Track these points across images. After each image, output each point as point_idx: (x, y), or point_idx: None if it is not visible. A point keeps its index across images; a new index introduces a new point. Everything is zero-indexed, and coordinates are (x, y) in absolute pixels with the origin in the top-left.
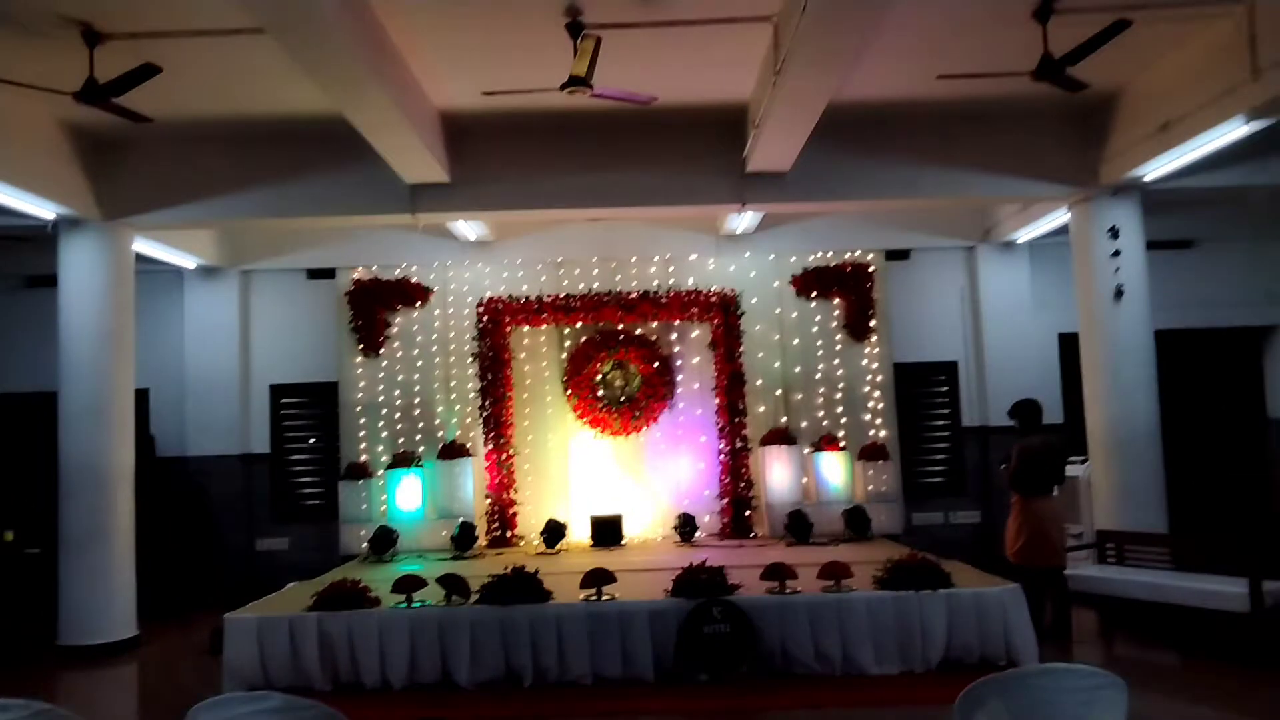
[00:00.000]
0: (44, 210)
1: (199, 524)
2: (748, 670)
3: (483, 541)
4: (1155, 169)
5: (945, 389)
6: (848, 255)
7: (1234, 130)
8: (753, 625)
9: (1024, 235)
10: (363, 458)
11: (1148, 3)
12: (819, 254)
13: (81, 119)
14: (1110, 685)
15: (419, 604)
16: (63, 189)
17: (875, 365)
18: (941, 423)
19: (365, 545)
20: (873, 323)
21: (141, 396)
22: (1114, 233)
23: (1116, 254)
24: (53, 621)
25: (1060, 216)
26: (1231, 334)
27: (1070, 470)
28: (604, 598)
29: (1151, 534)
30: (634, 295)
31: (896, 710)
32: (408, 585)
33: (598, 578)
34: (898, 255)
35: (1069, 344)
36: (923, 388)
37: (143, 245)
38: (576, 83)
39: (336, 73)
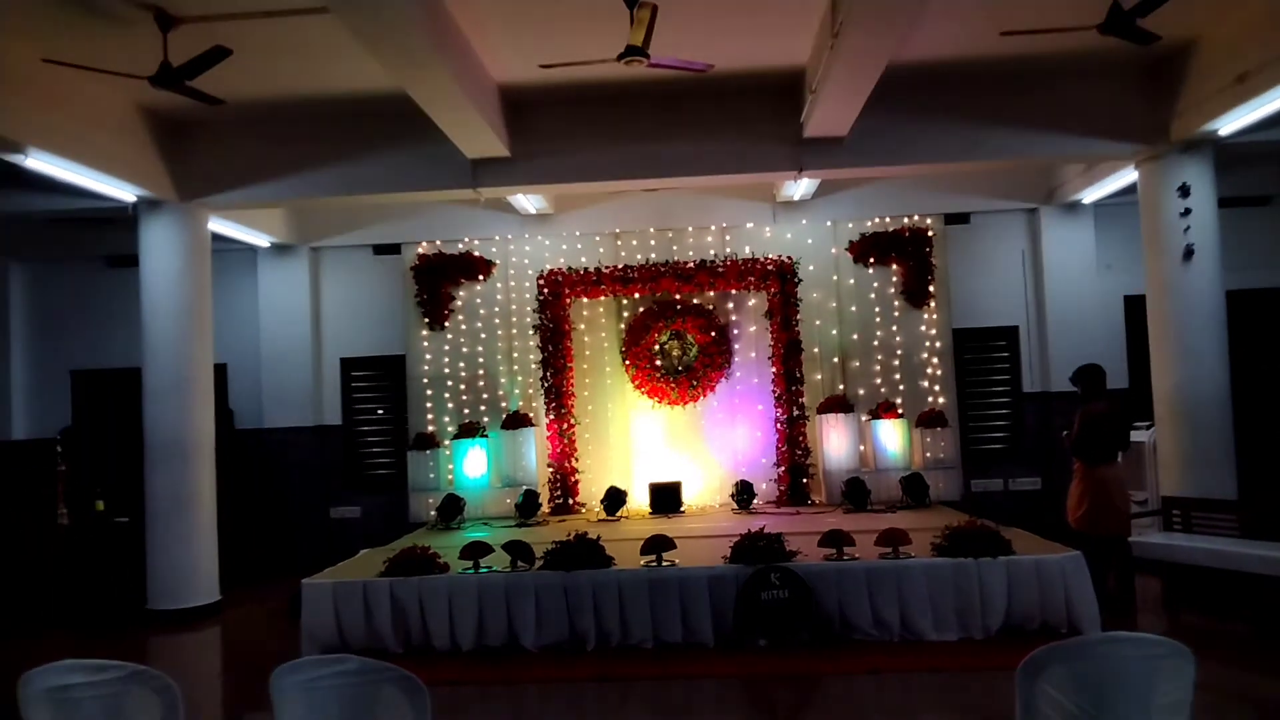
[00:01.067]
0: (124, 193)
1: (276, 494)
2: (806, 636)
3: (546, 509)
4: (1230, 123)
5: (1006, 354)
6: (906, 220)
7: None
8: (811, 591)
9: (1089, 196)
10: (430, 428)
11: None
12: (876, 220)
13: (157, 102)
14: (1176, 654)
15: (486, 569)
16: (141, 171)
17: (934, 331)
18: (1002, 389)
19: (433, 513)
20: (931, 288)
21: (220, 371)
22: (1184, 190)
23: (1186, 213)
24: (142, 587)
25: (1128, 175)
26: None
27: (1135, 436)
28: (664, 564)
29: (1219, 500)
30: (691, 265)
31: (956, 676)
32: (475, 551)
33: (658, 544)
34: (957, 219)
35: (1135, 307)
36: (983, 354)
37: (218, 225)
38: (634, 53)
39: (398, 49)
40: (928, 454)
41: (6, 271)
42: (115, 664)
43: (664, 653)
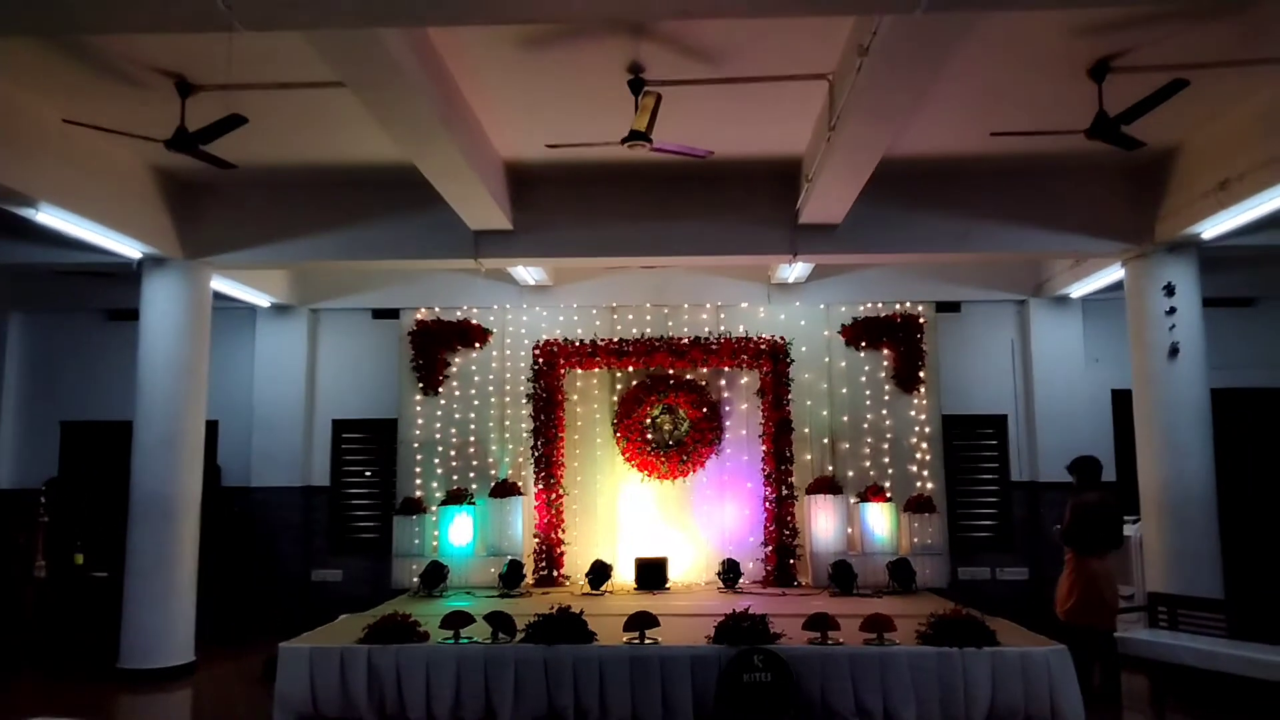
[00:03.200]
0: (131, 249)
1: (259, 554)
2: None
3: (530, 580)
4: (1212, 227)
5: (994, 443)
6: (898, 306)
7: None
8: (794, 675)
9: (1078, 290)
10: (418, 493)
11: (1205, 62)
12: (869, 304)
13: (167, 162)
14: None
15: (466, 640)
16: (148, 229)
17: (923, 417)
18: (990, 477)
19: (416, 580)
20: (922, 374)
21: (211, 428)
22: (1169, 290)
23: (1171, 311)
24: (116, 644)
25: (1115, 272)
26: None
27: (1124, 529)
28: (647, 641)
29: (1207, 599)
30: (685, 341)
31: None
32: (456, 621)
33: (641, 621)
34: (948, 307)
35: (1122, 400)
36: (971, 440)
37: (219, 283)
38: (637, 137)
39: (409, 125)
40: (915, 539)
41: (6, 320)
42: None
43: None
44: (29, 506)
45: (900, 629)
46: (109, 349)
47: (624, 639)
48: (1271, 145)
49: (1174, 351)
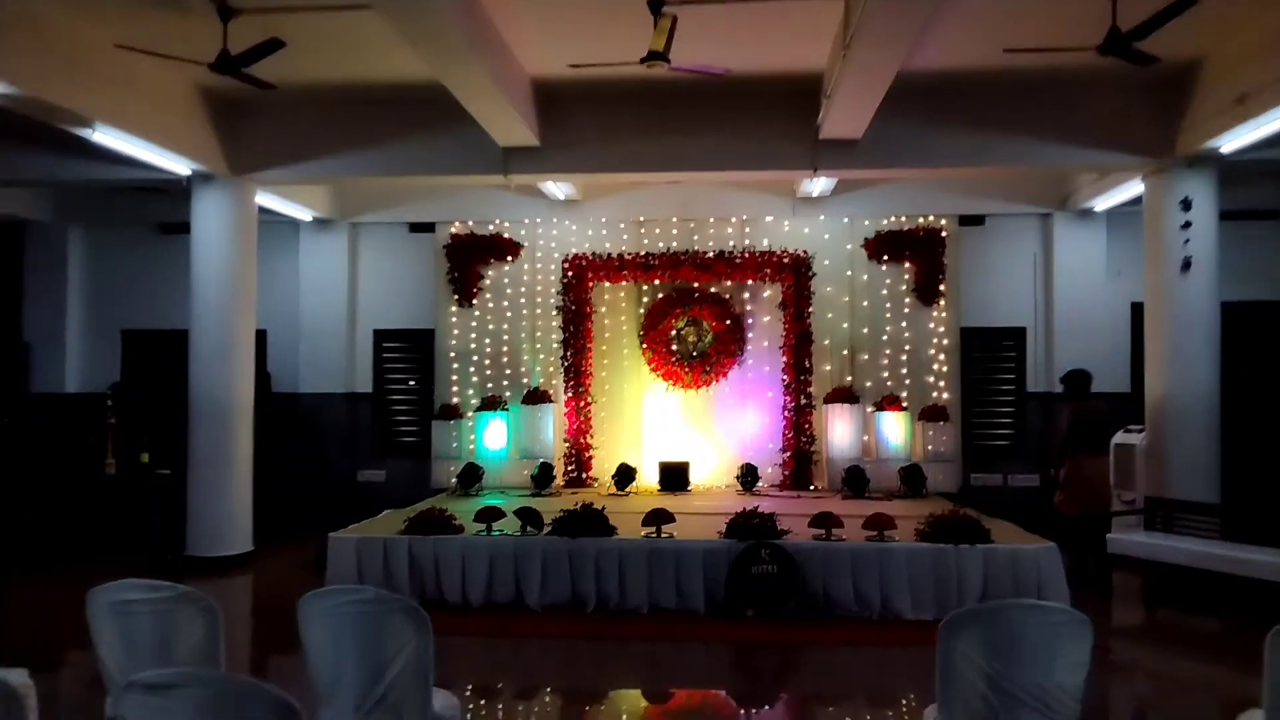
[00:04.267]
0: (180, 166)
1: (308, 455)
2: (792, 609)
3: (560, 481)
4: (1231, 141)
5: (1012, 354)
6: (920, 220)
7: None
8: (798, 567)
9: (1102, 203)
10: (454, 400)
11: None
12: (892, 218)
13: (213, 83)
14: (1076, 623)
15: (498, 533)
16: (196, 147)
17: (942, 329)
18: (1007, 387)
19: (454, 480)
20: (942, 287)
21: (260, 337)
22: (1186, 204)
23: (1187, 225)
24: (181, 534)
25: (1139, 185)
26: None
27: (1128, 438)
28: (663, 535)
29: (1201, 503)
30: (710, 255)
31: (927, 650)
32: (488, 516)
33: (658, 517)
34: (972, 221)
35: (1142, 314)
36: (989, 352)
37: (264, 198)
38: (655, 57)
39: (436, 45)
40: (929, 447)
41: (65, 235)
42: (167, 585)
43: (658, 617)
44: (96, 409)
45: (901, 528)
46: (163, 261)
47: (642, 534)
48: None
49: (1186, 265)
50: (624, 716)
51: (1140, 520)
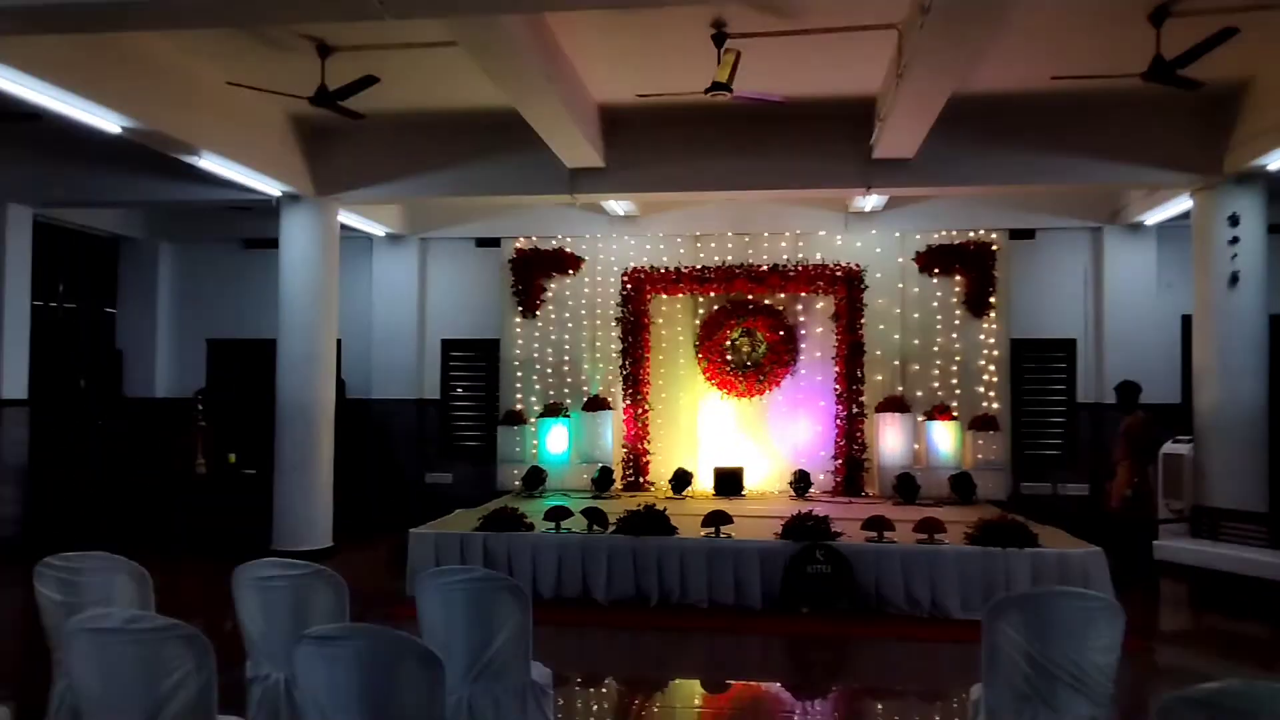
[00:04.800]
0: (272, 188)
1: (379, 458)
2: (845, 606)
3: (619, 485)
4: (1277, 161)
5: (1063, 365)
6: (971, 234)
7: None
8: (851, 568)
9: (1152, 218)
10: (518, 406)
11: (1266, 2)
12: (943, 232)
13: (301, 112)
14: (1109, 608)
15: (566, 531)
16: (287, 170)
17: (992, 340)
18: (1058, 398)
19: (519, 482)
20: (992, 299)
21: (335, 346)
22: (1234, 220)
23: (1235, 240)
24: (266, 530)
25: (1188, 200)
26: None
27: (1177, 448)
28: (721, 535)
29: (1248, 511)
30: (764, 268)
31: (976, 646)
32: (557, 515)
33: (717, 518)
34: (1022, 234)
35: (1191, 326)
36: (1039, 363)
37: (341, 216)
38: (719, 88)
39: (517, 79)
40: (979, 455)
41: (157, 250)
42: (302, 563)
43: (717, 612)
44: (185, 412)
45: (951, 532)
46: (245, 274)
47: (702, 534)
48: None
49: (1234, 279)
50: (685, 705)
51: (1187, 528)
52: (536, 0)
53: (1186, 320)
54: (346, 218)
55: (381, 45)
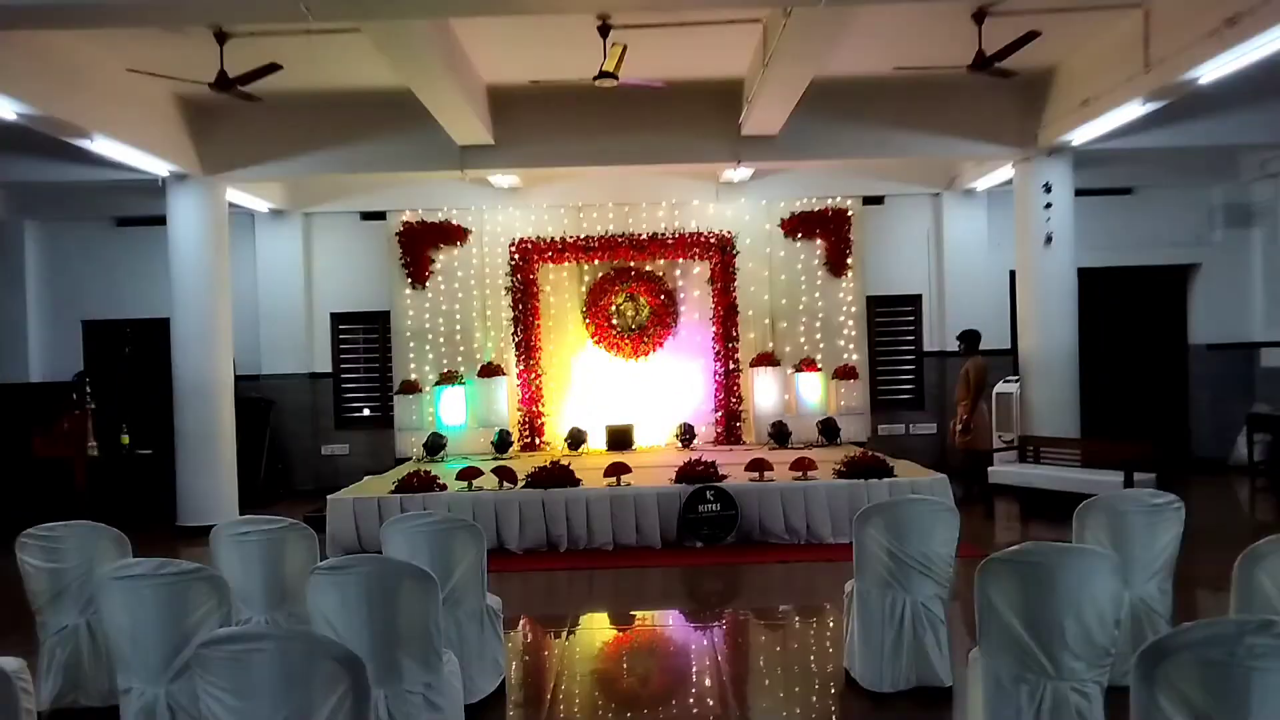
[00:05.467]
0: (159, 167)
1: (274, 432)
2: (732, 539)
3: (517, 447)
4: (1080, 136)
5: (911, 318)
6: (829, 201)
7: (1136, 109)
8: (737, 505)
9: (983, 184)
10: (413, 376)
11: (1065, 6)
12: (804, 200)
13: (187, 92)
14: (948, 510)
15: (478, 489)
16: (175, 150)
17: (850, 298)
18: (907, 347)
19: (420, 449)
20: (849, 260)
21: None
22: (1047, 188)
23: (1048, 206)
24: (168, 508)
25: (1011, 170)
26: (1160, 270)
27: (1007, 387)
28: (622, 484)
29: (1065, 439)
30: (644, 237)
31: (846, 565)
32: (469, 474)
33: (618, 469)
34: (873, 200)
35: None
36: (891, 317)
37: None
38: (606, 76)
39: (416, 64)
40: (841, 402)
41: (21, 230)
42: (276, 518)
43: (621, 552)
44: (62, 396)
45: (821, 469)
46: (119, 253)
47: (604, 484)
48: (1123, 69)
49: (1048, 240)
50: (598, 636)
51: (1014, 456)
52: (443, 5)
53: (1014, 275)
54: (229, 194)
55: (279, 31)
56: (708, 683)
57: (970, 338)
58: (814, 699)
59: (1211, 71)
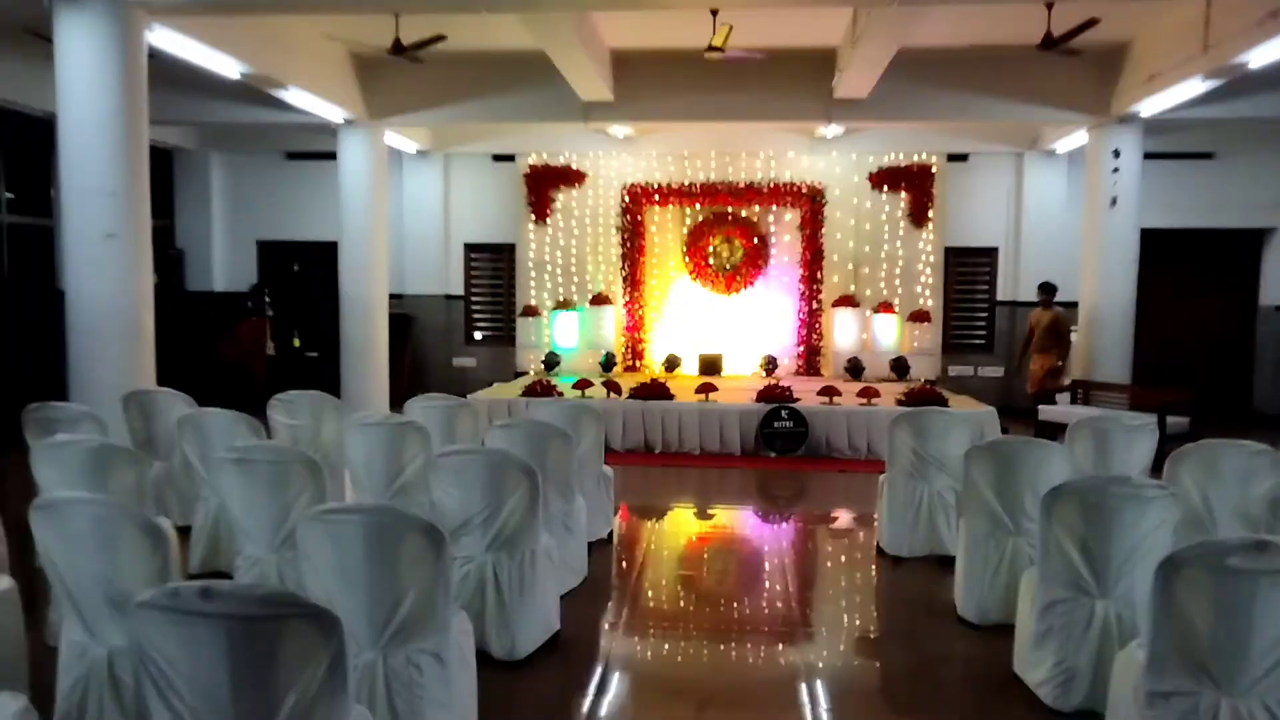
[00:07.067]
0: (336, 114)
1: (413, 344)
2: (802, 452)
3: (620, 368)
4: (1148, 108)
5: (987, 269)
6: (916, 157)
7: (1198, 86)
8: (807, 424)
9: (1063, 147)
10: (533, 301)
11: None
12: (891, 155)
13: (359, 49)
14: (964, 420)
15: (589, 398)
16: (348, 100)
17: (929, 248)
18: (982, 296)
19: (539, 364)
20: (930, 213)
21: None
22: (1116, 153)
23: (1116, 170)
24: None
25: (1086, 135)
26: (1236, 234)
27: (1074, 336)
28: (710, 400)
29: (1114, 384)
30: (742, 185)
31: None
32: (583, 385)
33: (707, 387)
34: (958, 158)
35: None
36: (968, 267)
37: None
38: (714, 50)
39: (552, 33)
40: (915, 343)
41: (209, 160)
42: (394, 417)
43: (706, 456)
44: (241, 304)
45: (885, 398)
46: (288, 183)
47: (695, 399)
48: (1184, 49)
49: (1114, 201)
50: (685, 522)
51: (1066, 397)
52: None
53: None
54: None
55: (442, 9)
56: (773, 558)
57: (1050, 289)
58: (855, 559)
59: (1259, 57)
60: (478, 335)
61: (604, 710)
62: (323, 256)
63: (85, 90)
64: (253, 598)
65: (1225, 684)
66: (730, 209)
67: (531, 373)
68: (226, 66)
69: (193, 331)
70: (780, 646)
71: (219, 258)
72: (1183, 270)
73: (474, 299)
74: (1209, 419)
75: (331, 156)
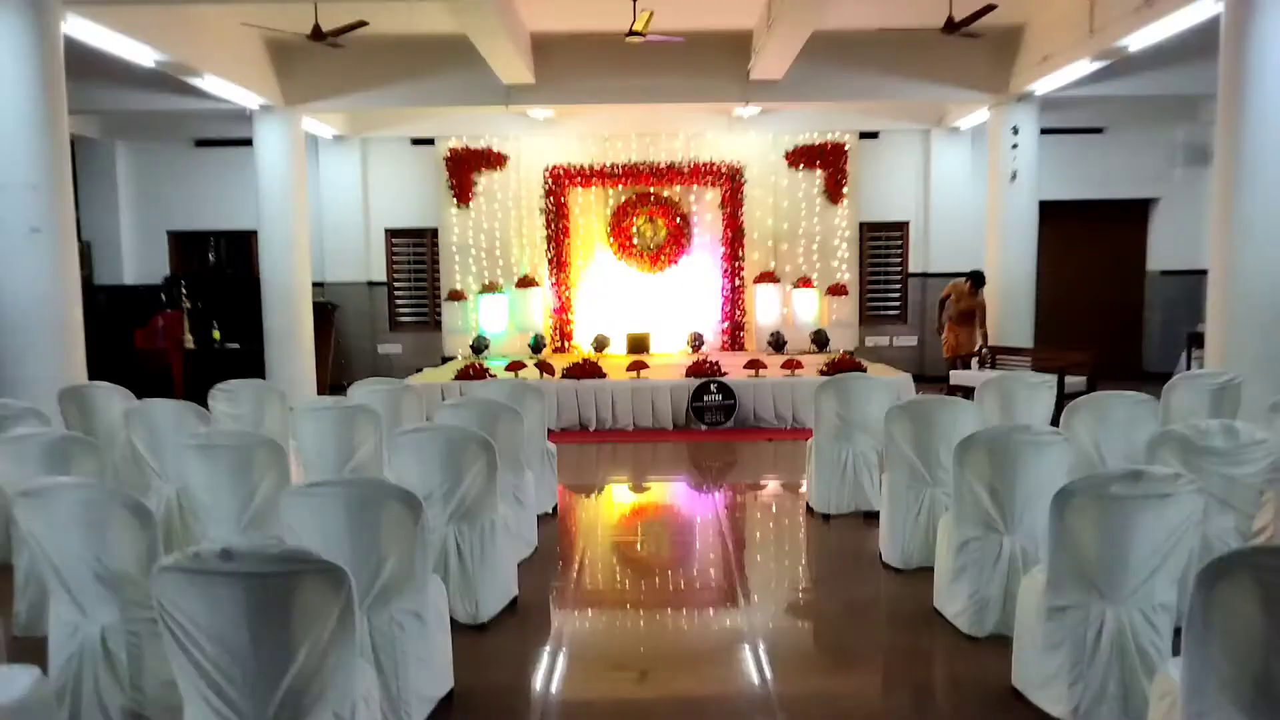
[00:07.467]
0: (251, 100)
1: (336, 333)
2: (730, 423)
3: (549, 349)
4: (1042, 87)
5: (899, 243)
6: (829, 136)
7: (1086, 66)
8: (735, 396)
9: (966, 124)
10: (458, 285)
11: None
12: (806, 134)
13: (274, 36)
14: (883, 384)
15: (523, 379)
16: (264, 86)
17: (845, 223)
18: (894, 269)
19: (467, 349)
20: (845, 189)
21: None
22: (1015, 130)
23: (1015, 146)
24: None
25: (988, 113)
26: (1125, 204)
27: None
28: (641, 377)
29: (1017, 348)
30: (663, 165)
31: None
32: (516, 367)
33: (638, 365)
34: (869, 135)
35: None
36: (881, 241)
37: None
38: (635, 35)
39: (476, 18)
40: (833, 316)
41: (114, 149)
42: (344, 399)
43: (639, 431)
44: (154, 297)
45: (807, 368)
46: (199, 171)
47: (626, 377)
48: (1073, 33)
49: (1014, 176)
50: (623, 495)
51: (975, 362)
52: None
53: None
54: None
55: None
56: (708, 525)
57: (981, 279)
58: (785, 521)
59: (1138, 41)
60: (405, 320)
61: (565, 663)
62: (239, 245)
63: (2, 83)
64: (269, 556)
65: (1110, 595)
66: (652, 189)
67: (460, 357)
68: (141, 54)
69: (104, 327)
70: (721, 608)
71: (129, 250)
72: (1078, 239)
73: (397, 285)
74: (1104, 377)
75: (244, 143)
